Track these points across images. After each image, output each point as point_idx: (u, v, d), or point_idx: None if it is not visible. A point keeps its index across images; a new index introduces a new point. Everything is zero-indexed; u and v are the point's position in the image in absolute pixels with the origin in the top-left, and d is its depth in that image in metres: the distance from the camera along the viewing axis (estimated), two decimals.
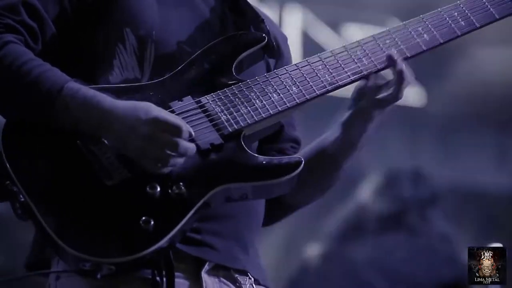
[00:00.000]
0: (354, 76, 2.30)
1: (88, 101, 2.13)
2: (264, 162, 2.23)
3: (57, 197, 2.14)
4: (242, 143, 2.23)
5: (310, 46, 6.04)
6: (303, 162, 2.23)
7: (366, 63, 2.33)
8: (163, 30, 2.30)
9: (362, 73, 2.31)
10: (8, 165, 2.11)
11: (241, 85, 2.29)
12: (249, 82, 2.30)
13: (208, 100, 2.24)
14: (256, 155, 2.24)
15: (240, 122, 2.24)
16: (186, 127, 2.14)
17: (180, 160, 2.14)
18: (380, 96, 2.32)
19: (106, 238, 2.11)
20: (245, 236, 2.34)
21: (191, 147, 2.15)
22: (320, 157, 2.40)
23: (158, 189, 2.13)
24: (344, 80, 2.30)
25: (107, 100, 2.15)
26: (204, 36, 2.35)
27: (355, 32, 6.41)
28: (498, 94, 7.04)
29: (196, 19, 2.38)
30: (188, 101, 2.23)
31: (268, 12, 5.52)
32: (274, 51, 2.43)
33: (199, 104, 2.24)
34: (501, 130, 7.17)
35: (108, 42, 2.28)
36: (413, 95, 6.82)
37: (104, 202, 2.13)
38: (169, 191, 2.14)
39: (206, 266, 2.23)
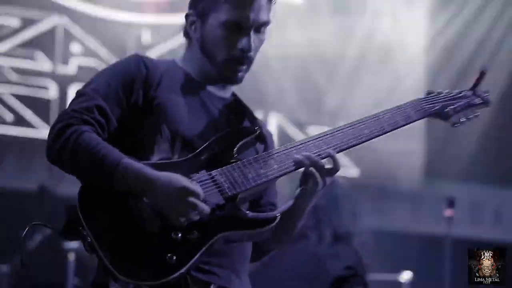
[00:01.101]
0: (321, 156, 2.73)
1: (138, 172, 2.58)
2: (253, 217, 2.68)
3: (113, 239, 2.57)
4: (238, 203, 2.67)
5: (284, 139, 7.19)
6: (279, 217, 2.67)
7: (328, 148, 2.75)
8: (188, 126, 2.75)
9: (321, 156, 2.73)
10: (81, 217, 2.56)
11: (239, 163, 2.71)
12: (245, 161, 2.72)
13: (216, 173, 2.68)
14: (247, 211, 2.69)
15: (237, 188, 2.67)
16: (203, 195, 2.59)
17: (197, 217, 2.57)
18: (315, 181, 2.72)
19: (144, 268, 2.55)
20: (239, 267, 2.78)
21: (206, 208, 2.59)
22: (282, 219, 2.73)
23: (180, 235, 2.57)
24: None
25: (151, 171, 2.59)
26: (214, 131, 2.78)
27: (315, 131, 7.35)
28: None
29: (209, 119, 2.81)
30: (203, 174, 2.67)
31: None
32: (264, 140, 2.87)
33: (210, 176, 2.67)
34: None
35: (151, 134, 2.72)
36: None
37: (143, 242, 2.57)
38: (187, 236, 2.58)
39: (212, 287, 2.68)
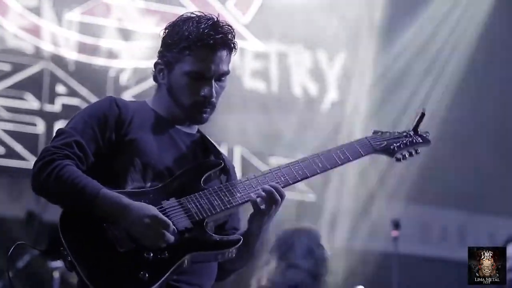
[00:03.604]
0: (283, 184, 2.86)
1: (114, 201, 2.69)
2: (217, 239, 2.78)
3: (91, 258, 2.67)
4: (205, 227, 2.77)
5: (248, 169, 7.43)
6: (242, 239, 2.79)
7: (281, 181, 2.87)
8: (158, 159, 2.84)
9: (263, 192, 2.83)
10: (63, 239, 2.67)
11: (205, 191, 2.81)
12: (211, 190, 2.82)
13: (185, 200, 2.78)
14: (213, 234, 2.78)
15: (204, 214, 2.78)
16: (172, 225, 2.69)
17: (164, 244, 2.67)
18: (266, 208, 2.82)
19: (119, 284, 2.66)
20: (205, 283, 2.88)
21: (171, 238, 2.68)
22: (243, 240, 2.83)
23: (151, 254, 2.67)
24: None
25: (126, 200, 2.70)
26: (182, 163, 2.87)
27: (275, 162, 7.69)
28: None
29: (177, 152, 2.90)
30: (172, 201, 2.78)
31: (223, 150, 7.06)
32: (227, 171, 2.97)
33: (179, 203, 2.77)
34: None
35: (125, 165, 2.81)
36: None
37: (118, 261, 2.67)
38: (158, 256, 2.68)
39: None
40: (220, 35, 2.83)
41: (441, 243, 8.87)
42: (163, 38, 2.92)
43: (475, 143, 8.73)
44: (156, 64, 2.93)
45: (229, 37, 2.86)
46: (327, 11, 8.50)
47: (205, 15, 2.90)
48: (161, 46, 2.92)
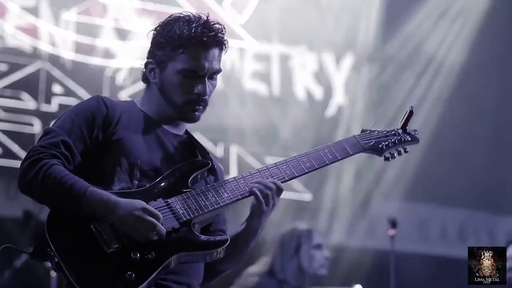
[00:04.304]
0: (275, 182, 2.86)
1: (102, 198, 2.70)
2: (205, 239, 2.79)
3: (77, 259, 2.68)
4: (192, 227, 2.79)
5: (244, 168, 7.39)
6: (229, 240, 2.80)
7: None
8: (144, 160, 2.85)
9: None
10: (49, 240, 2.68)
11: (193, 192, 2.82)
12: (198, 190, 2.82)
13: (172, 201, 2.78)
14: (200, 235, 2.79)
15: (191, 214, 2.79)
16: (161, 217, 2.72)
17: (156, 237, 2.69)
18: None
19: (106, 285, 2.66)
20: (192, 282, 2.89)
21: (163, 229, 2.70)
22: (235, 240, 2.88)
23: (138, 255, 2.69)
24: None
25: (114, 197, 2.71)
26: (169, 163, 2.88)
27: (272, 162, 7.71)
28: None
29: (164, 153, 2.91)
30: (159, 201, 2.78)
31: (219, 149, 7.05)
32: (214, 172, 2.98)
33: (166, 203, 2.78)
34: None
35: (112, 165, 2.82)
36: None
37: (105, 261, 2.68)
38: (145, 256, 2.70)
39: None
40: (213, 33, 2.86)
41: (440, 241, 8.91)
42: (154, 37, 2.93)
43: (474, 140, 8.75)
44: (147, 64, 2.94)
45: (221, 35, 2.89)
46: (324, 10, 8.57)
47: (195, 14, 2.92)
48: (152, 45, 2.94)
